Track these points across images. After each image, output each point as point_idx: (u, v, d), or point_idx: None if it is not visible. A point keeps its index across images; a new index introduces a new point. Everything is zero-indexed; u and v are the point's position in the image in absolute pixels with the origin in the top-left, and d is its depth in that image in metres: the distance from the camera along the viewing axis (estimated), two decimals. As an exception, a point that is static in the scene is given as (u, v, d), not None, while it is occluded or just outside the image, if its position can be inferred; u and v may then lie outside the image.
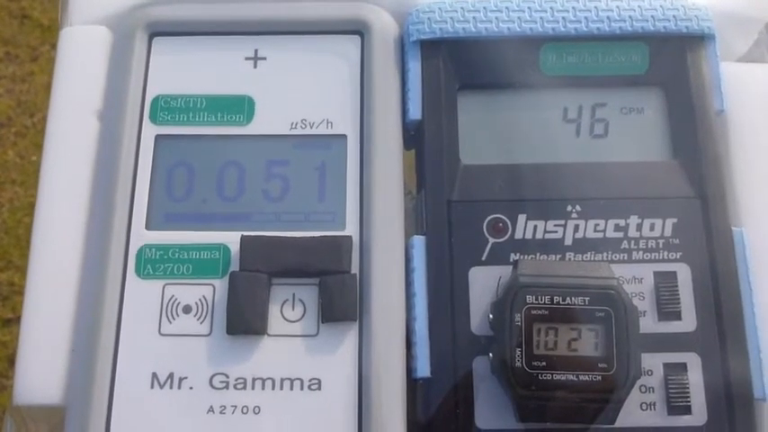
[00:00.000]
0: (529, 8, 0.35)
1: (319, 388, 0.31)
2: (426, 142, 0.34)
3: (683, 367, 0.31)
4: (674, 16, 0.35)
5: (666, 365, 0.31)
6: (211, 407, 0.30)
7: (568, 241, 0.33)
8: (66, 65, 0.35)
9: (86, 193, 0.34)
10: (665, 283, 0.32)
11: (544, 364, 0.30)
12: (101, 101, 0.35)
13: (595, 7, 0.35)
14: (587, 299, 0.30)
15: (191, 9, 0.36)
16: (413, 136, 0.35)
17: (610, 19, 0.35)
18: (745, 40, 0.37)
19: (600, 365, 0.30)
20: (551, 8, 0.35)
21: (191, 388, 0.31)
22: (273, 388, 0.31)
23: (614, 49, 0.35)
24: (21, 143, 1.03)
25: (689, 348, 0.32)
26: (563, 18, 0.35)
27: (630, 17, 0.35)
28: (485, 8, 0.35)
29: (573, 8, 0.35)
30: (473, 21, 0.35)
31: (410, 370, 0.32)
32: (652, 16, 0.35)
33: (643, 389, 0.31)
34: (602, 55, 0.35)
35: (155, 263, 0.32)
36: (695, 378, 0.31)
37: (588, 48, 0.35)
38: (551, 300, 0.30)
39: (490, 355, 0.31)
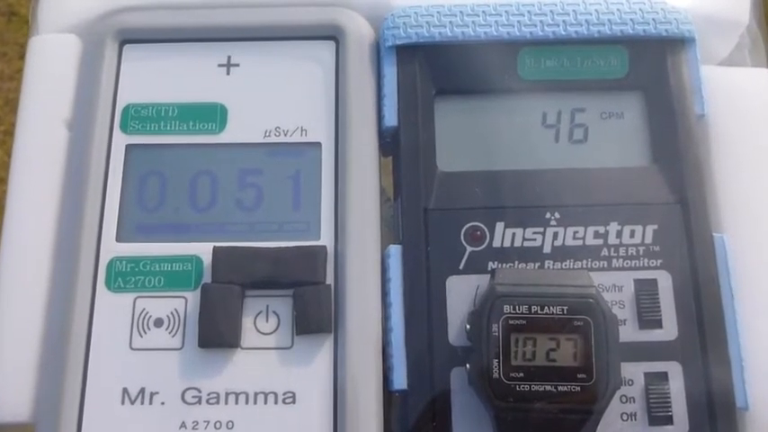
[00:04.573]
0: (506, 12, 0.35)
1: (294, 401, 0.30)
2: (402, 149, 0.34)
3: (664, 376, 0.31)
4: (653, 19, 0.35)
5: (647, 375, 0.31)
6: (183, 422, 0.30)
7: (547, 249, 0.32)
8: (35, 74, 0.35)
9: (56, 204, 0.33)
10: (646, 291, 0.32)
11: (522, 375, 0.29)
12: (70, 110, 0.34)
13: (574, 11, 0.35)
14: (566, 308, 0.30)
15: (162, 15, 0.35)
16: (389, 143, 0.35)
17: (588, 22, 0.35)
18: (726, 44, 0.36)
19: (579, 376, 0.29)
20: (529, 12, 0.35)
21: (162, 403, 0.30)
22: (247, 402, 0.30)
23: (593, 52, 0.35)
24: (9, 141, 1.01)
25: (670, 357, 0.31)
26: (541, 22, 0.35)
27: (609, 21, 0.35)
28: (461, 12, 0.35)
29: (551, 12, 0.35)
30: (449, 25, 0.34)
31: (386, 382, 0.31)
32: (631, 20, 0.35)
33: (623, 399, 0.31)
34: (580, 59, 0.35)
35: (125, 275, 0.32)
36: (676, 387, 0.31)
37: (567, 52, 0.35)
38: (529, 309, 0.30)
39: (467, 366, 0.30)
